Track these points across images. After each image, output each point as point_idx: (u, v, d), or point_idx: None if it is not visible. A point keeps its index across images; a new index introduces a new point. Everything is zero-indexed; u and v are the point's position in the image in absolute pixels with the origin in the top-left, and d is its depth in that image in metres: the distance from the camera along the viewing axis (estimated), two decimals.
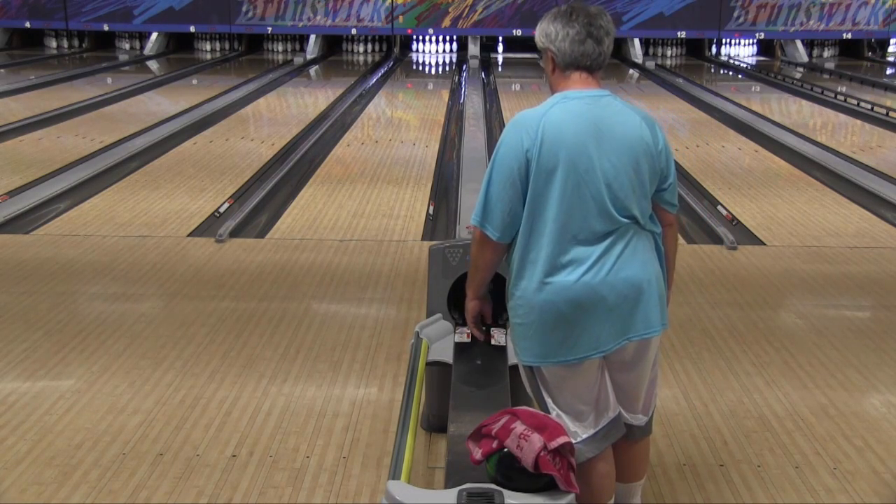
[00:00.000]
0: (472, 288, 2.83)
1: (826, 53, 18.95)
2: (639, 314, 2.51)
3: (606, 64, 2.56)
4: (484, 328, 3.50)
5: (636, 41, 18.06)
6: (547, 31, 2.53)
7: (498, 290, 3.59)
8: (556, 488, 2.41)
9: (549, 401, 2.60)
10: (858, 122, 11.20)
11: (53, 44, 19.04)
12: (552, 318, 2.49)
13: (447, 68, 17.35)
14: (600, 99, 2.52)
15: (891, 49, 18.80)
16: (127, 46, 19.01)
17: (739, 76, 16.92)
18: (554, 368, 2.55)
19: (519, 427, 2.46)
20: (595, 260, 2.46)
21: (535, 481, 2.41)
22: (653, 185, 2.54)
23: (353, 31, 18.12)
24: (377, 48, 19.08)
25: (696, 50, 18.74)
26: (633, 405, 2.67)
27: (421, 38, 18.88)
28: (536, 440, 2.41)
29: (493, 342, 3.41)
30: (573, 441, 2.50)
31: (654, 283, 2.54)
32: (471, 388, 3.13)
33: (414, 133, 10.29)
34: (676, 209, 2.66)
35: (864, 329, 4.69)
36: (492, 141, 9.50)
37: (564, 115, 2.49)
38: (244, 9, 17.86)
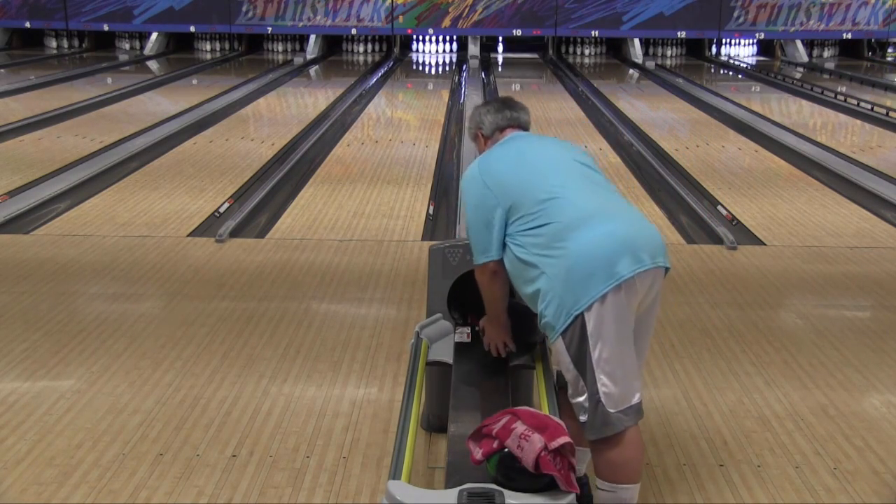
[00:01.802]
0: (497, 316, 3.14)
1: (826, 53, 18.95)
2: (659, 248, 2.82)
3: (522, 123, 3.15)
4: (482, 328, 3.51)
5: (636, 41, 18.06)
6: (478, 120, 3.17)
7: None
8: (556, 488, 2.41)
9: (592, 358, 2.65)
10: (858, 122, 11.20)
11: (53, 44, 19.05)
12: (595, 253, 2.68)
13: (447, 68, 17.35)
14: (528, 136, 3.11)
15: (890, 49, 18.80)
16: (127, 46, 19.02)
17: (739, 76, 16.92)
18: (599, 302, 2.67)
19: (519, 427, 2.46)
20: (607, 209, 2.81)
21: (535, 481, 2.42)
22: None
23: (353, 31, 18.12)
24: (377, 48, 19.08)
25: (696, 50, 18.74)
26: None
27: (421, 38, 18.89)
28: (537, 440, 2.41)
29: None
30: (632, 403, 2.66)
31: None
32: (471, 388, 3.13)
33: (414, 133, 10.29)
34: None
35: (864, 329, 4.69)
36: None
37: (508, 146, 3.03)
38: (244, 9, 17.87)
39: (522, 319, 3.18)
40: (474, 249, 2.95)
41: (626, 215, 2.81)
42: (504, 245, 2.86)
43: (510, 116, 3.12)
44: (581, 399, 2.69)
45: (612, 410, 2.65)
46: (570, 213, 2.72)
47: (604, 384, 2.64)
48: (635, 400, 2.69)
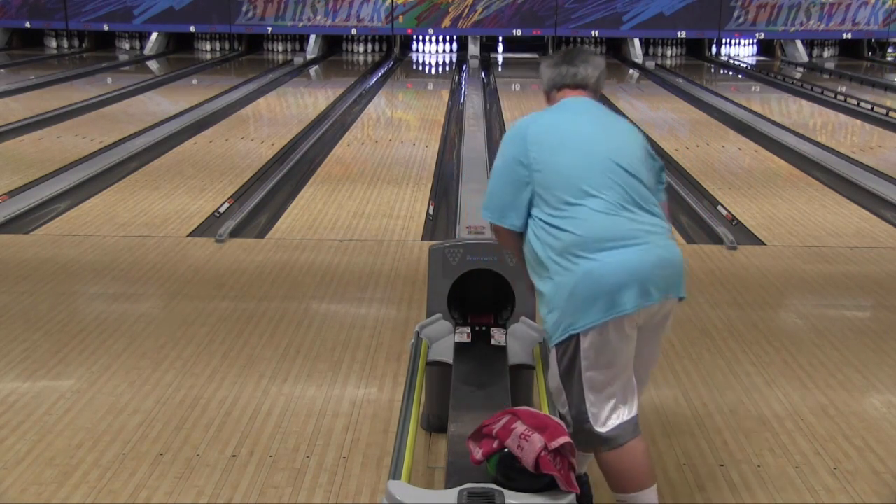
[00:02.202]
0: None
1: (826, 53, 18.95)
2: (675, 281, 2.65)
3: (591, 88, 2.87)
4: (484, 329, 3.51)
5: (636, 41, 18.06)
6: (540, 73, 2.92)
7: (499, 290, 3.60)
8: (556, 488, 2.41)
9: (582, 380, 2.61)
10: (858, 122, 11.20)
11: (53, 44, 19.05)
12: (601, 284, 2.55)
13: (447, 68, 17.36)
14: (587, 102, 2.84)
15: (890, 49, 18.80)
16: (127, 46, 19.02)
17: (739, 76, 16.92)
18: (593, 331, 2.60)
19: (520, 427, 2.46)
20: (633, 232, 2.60)
21: (535, 481, 2.42)
22: (650, 170, 2.77)
23: (353, 31, 18.12)
24: (377, 48, 19.08)
25: (696, 50, 18.74)
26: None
27: (421, 38, 18.89)
28: (537, 440, 2.41)
29: (493, 342, 3.42)
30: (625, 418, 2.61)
31: (675, 248, 2.70)
32: (471, 388, 3.13)
33: (414, 133, 10.29)
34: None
35: (864, 329, 4.69)
36: (492, 141, 9.50)
37: (554, 115, 2.80)
38: (244, 9, 17.87)
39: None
40: (488, 204, 2.81)
41: (648, 242, 2.58)
42: (526, 220, 2.72)
43: (565, 73, 2.84)
44: (564, 411, 2.67)
45: (600, 430, 2.60)
46: (589, 229, 2.56)
47: (592, 404, 2.60)
48: (627, 416, 2.62)
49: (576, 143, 2.67)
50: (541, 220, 2.66)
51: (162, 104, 12.47)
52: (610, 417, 2.61)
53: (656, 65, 17.24)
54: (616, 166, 2.63)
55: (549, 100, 2.89)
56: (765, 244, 6.10)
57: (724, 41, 18.75)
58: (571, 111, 2.79)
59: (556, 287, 2.60)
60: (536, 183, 2.66)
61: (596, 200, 2.59)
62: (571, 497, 2.40)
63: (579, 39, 18.82)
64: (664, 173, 2.90)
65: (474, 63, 16.70)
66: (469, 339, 3.42)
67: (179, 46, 18.80)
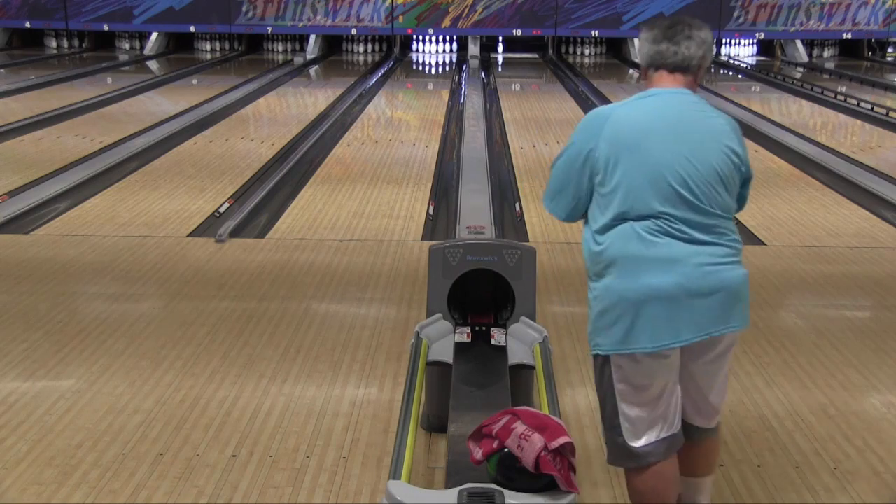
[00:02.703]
0: None
1: (826, 53, 18.95)
2: (723, 313, 2.46)
3: (693, 70, 2.56)
4: (484, 329, 3.51)
5: (636, 41, 18.04)
6: (639, 44, 2.64)
7: (499, 290, 3.60)
8: (556, 488, 2.41)
9: (615, 396, 2.52)
10: (858, 122, 11.20)
11: (53, 44, 19.05)
12: (634, 308, 2.43)
13: (447, 68, 17.35)
14: (679, 96, 2.53)
15: (890, 49, 18.80)
16: (127, 46, 19.01)
17: (739, 76, 16.92)
18: (625, 357, 2.49)
19: (520, 427, 2.46)
20: (684, 256, 2.43)
21: (535, 481, 2.41)
22: (736, 182, 2.53)
23: (353, 31, 18.12)
24: (377, 48, 19.08)
25: None
26: (705, 409, 2.62)
27: (421, 38, 18.88)
28: (537, 440, 2.41)
29: (493, 342, 3.42)
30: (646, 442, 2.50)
31: (743, 284, 2.50)
32: (471, 388, 3.13)
33: (414, 133, 10.29)
34: (743, 208, 2.70)
35: (864, 329, 4.69)
36: (492, 141, 9.51)
37: (635, 109, 2.53)
38: (244, 9, 17.87)
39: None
40: (548, 190, 2.62)
41: (683, 270, 2.40)
42: (577, 215, 2.59)
43: (665, 51, 2.54)
44: (603, 423, 2.60)
45: (632, 445, 2.52)
46: (621, 250, 2.43)
47: (626, 418, 2.51)
48: (662, 435, 2.52)
49: (640, 152, 2.45)
50: (591, 225, 2.54)
51: (162, 104, 12.47)
52: (644, 434, 2.51)
53: None
54: (671, 187, 2.42)
55: (645, 78, 2.63)
56: (765, 244, 6.10)
57: (724, 41, 18.74)
58: (654, 108, 2.51)
59: (592, 301, 2.53)
60: (596, 183, 2.51)
61: (642, 222, 2.43)
62: (571, 497, 2.40)
63: (579, 39, 18.84)
64: (749, 185, 2.64)
65: (474, 63, 16.70)
66: (469, 339, 3.42)
67: (179, 46, 18.79)
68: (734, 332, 2.51)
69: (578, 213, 2.61)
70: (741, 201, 2.67)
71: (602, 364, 2.52)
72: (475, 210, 6.52)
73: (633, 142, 2.46)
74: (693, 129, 2.49)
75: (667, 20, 2.61)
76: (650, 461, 2.52)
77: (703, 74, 2.61)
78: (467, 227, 6.02)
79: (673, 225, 2.43)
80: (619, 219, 2.46)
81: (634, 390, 2.49)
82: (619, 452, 2.56)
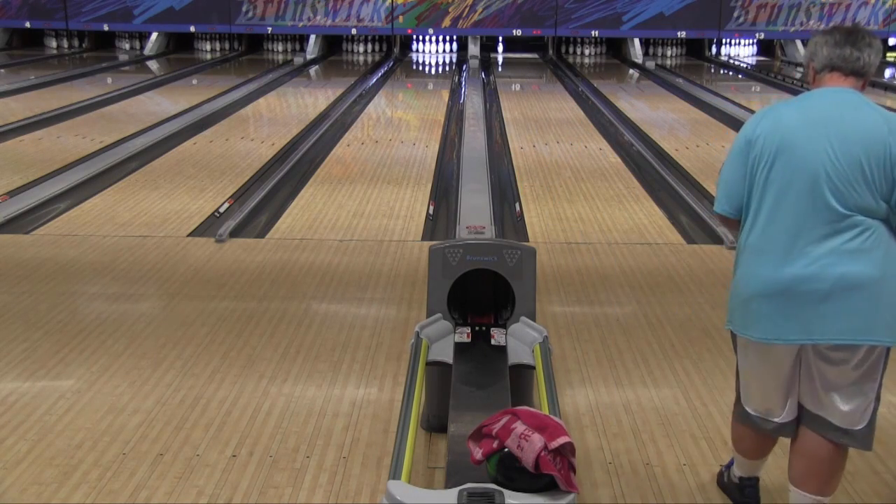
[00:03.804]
0: None
1: None
2: (839, 316, 2.53)
3: (867, 74, 2.66)
4: (484, 329, 3.51)
5: (636, 41, 18.06)
6: (812, 48, 2.70)
7: (499, 290, 3.61)
8: (556, 488, 2.41)
9: (739, 364, 2.85)
10: None
11: (53, 44, 19.05)
12: (754, 299, 2.64)
13: (447, 68, 17.35)
14: (842, 94, 2.61)
15: (892, 43, 18.79)
16: (127, 46, 19.02)
17: (739, 76, 16.92)
18: (743, 340, 2.75)
19: (519, 427, 2.46)
20: (807, 250, 2.54)
21: (535, 481, 2.41)
22: (884, 185, 2.51)
23: (353, 31, 18.12)
24: (377, 48, 19.08)
25: (696, 50, 18.74)
26: (823, 402, 2.70)
27: (421, 38, 18.89)
28: (537, 440, 2.41)
29: (493, 342, 3.42)
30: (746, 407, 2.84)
31: (869, 286, 2.51)
32: (471, 388, 3.13)
33: (414, 133, 10.29)
34: None
35: None
36: (492, 141, 9.51)
37: (793, 107, 2.65)
38: (244, 9, 17.87)
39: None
40: (717, 192, 2.77)
41: (803, 261, 2.53)
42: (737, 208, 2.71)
43: (848, 56, 2.61)
44: None
45: (749, 410, 2.86)
46: (752, 234, 2.63)
47: (743, 383, 2.85)
48: (773, 418, 2.80)
49: (803, 150, 2.54)
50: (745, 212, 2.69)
51: (162, 104, 12.47)
52: (756, 405, 2.83)
53: (656, 65, 17.24)
54: (809, 191, 2.52)
55: (812, 79, 2.70)
56: None
57: (724, 41, 18.75)
58: (820, 110, 2.59)
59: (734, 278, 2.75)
60: (752, 173, 2.63)
61: (776, 212, 2.57)
62: (571, 497, 2.40)
63: (579, 39, 18.84)
64: None
65: (474, 63, 16.70)
66: (469, 339, 3.42)
67: (179, 46, 18.80)
68: (868, 343, 2.60)
69: (726, 205, 2.74)
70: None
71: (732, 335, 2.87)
72: (475, 210, 6.52)
73: (781, 141, 2.58)
74: (846, 128, 2.54)
75: (844, 27, 2.70)
76: (757, 428, 2.86)
77: (867, 84, 2.71)
78: (467, 227, 6.02)
79: (800, 224, 2.57)
80: (758, 209, 2.65)
81: (747, 366, 2.83)
82: (738, 411, 2.92)
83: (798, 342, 2.60)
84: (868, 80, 2.68)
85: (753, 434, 2.91)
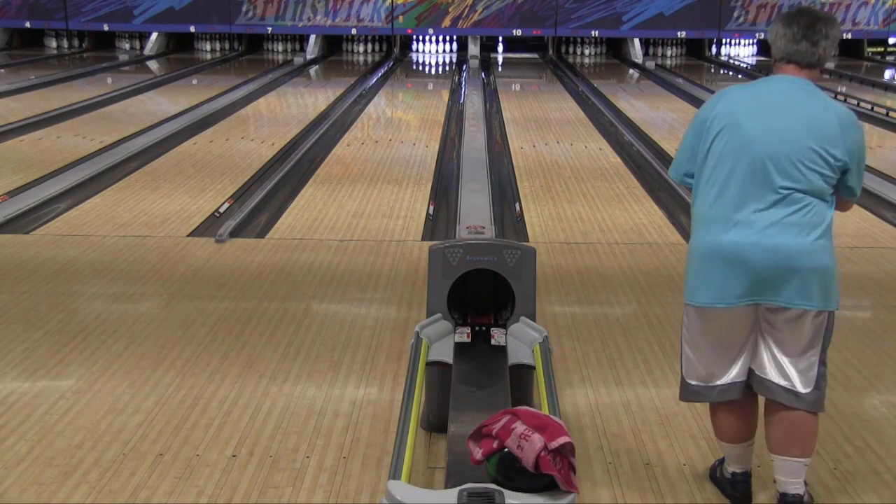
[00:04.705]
0: None
1: None
2: (777, 283, 2.73)
3: (821, 64, 2.84)
4: (484, 329, 3.51)
5: (636, 41, 18.06)
6: (773, 31, 2.86)
7: (499, 290, 3.61)
8: (556, 488, 2.41)
9: (683, 336, 2.97)
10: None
11: (53, 44, 19.05)
12: (701, 264, 2.82)
13: (447, 68, 17.36)
14: (796, 84, 2.79)
15: (892, 41, 18.78)
16: (127, 46, 19.02)
17: (739, 76, 16.92)
18: (690, 307, 2.89)
19: (519, 427, 2.46)
20: (750, 219, 2.72)
21: (535, 481, 2.42)
22: (828, 171, 2.71)
23: (353, 31, 18.12)
24: (377, 48, 19.08)
25: (696, 50, 18.74)
26: (771, 365, 2.87)
27: (421, 38, 18.89)
28: (537, 440, 2.41)
29: (493, 342, 3.42)
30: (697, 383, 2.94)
31: (804, 259, 2.71)
32: (471, 388, 3.13)
33: (414, 133, 10.29)
34: (855, 197, 2.88)
35: (864, 329, 4.69)
36: (492, 141, 9.51)
37: (748, 92, 2.85)
38: (244, 9, 17.87)
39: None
40: (674, 158, 3.00)
41: (759, 231, 2.71)
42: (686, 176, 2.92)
43: (802, 51, 2.79)
44: None
45: (691, 382, 2.96)
46: (703, 205, 2.81)
47: (686, 356, 2.96)
48: (715, 381, 2.91)
49: (739, 130, 2.75)
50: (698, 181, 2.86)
51: (162, 104, 12.47)
52: (699, 374, 2.95)
53: (656, 65, 17.24)
54: (757, 169, 2.71)
55: (773, 62, 2.89)
56: None
57: (724, 41, 18.75)
58: (769, 95, 2.80)
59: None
60: (704, 144, 2.82)
61: (727, 185, 2.75)
62: (571, 497, 2.41)
63: (579, 39, 18.84)
64: (848, 175, 2.78)
65: (474, 63, 16.70)
66: (469, 339, 3.42)
67: (179, 46, 18.80)
68: (804, 307, 2.79)
69: (681, 173, 2.96)
70: (846, 191, 2.83)
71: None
72: (475, 210, 6.52)
73: (735, 120, 2.77)
74: (791, 118, 2.73)
75: (805, 16, 2.81)
76: (701, 400, 2.99)
77: (820, 73, 2.90)
78: (467, 227, 6.02)
79: (752, 189, 2.75)
80: (710, 182, 2.86)
81: (693, 333, 2.96)
82: (682, 385, 3.02)
83: (737, 304, 2.77)
84: (823, 66, 2.87)
85: (724, 413, 2.99)
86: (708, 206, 2.79)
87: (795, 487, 2.91)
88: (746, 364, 2.90)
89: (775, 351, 2.85)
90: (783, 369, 2.86)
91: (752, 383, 2.92)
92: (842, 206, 2.89)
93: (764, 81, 2.87)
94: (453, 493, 2.37)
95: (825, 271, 2.75)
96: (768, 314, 2.80)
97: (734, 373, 2.91)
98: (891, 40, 18.63)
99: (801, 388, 2.87)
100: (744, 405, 2.97)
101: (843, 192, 2.82)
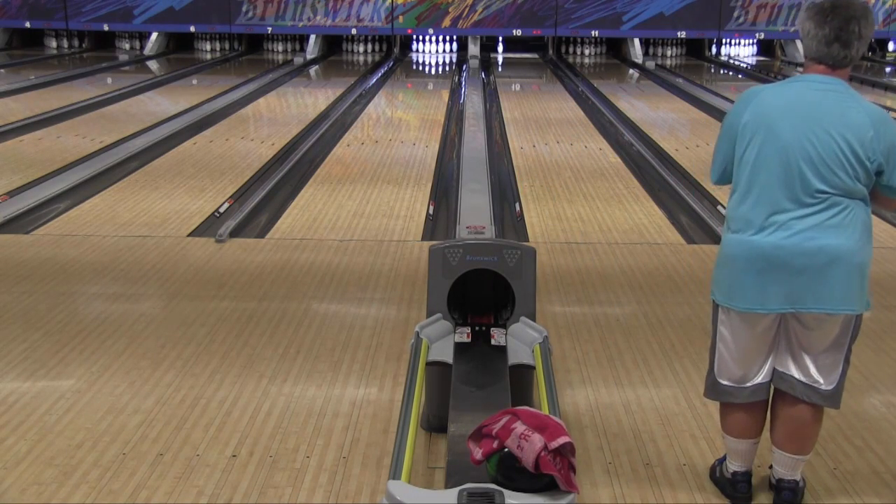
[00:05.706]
0: None
1: None
2: (818, 286, 2.74)
3: (853, 63, 2.80)
4: (484, 329, 3.51)
5: (636, 41, 18.06)
6: (803, 26, 2.78)
7: (499, 290, 3.61)
8: (556, 488, 2.41)
9: (717, 336, 2.94)
10: None
11: (53, 44, 19.05)
12: (739, 267, 2.79)
13: (447, 68, 17.36)
14: (827, 85, 2.74)
15: (891, 48, 18.79)
16: (127, 46, 19.02)
17: (739, 76, 16.92)
18: (726, 310, 2.88)
19: (519, 427, 2.46)
20: (789, 224, 2.72)
21: (535, 481, 2.42)
22: (861, 173, 2.72)
23: (353, 31, 18.12)
24: (377, 48, 19.08)
25: (696, 50, 18.74)
26: (796, 363, 2.88)
27: (421, 38, 18.89)
28: (537, 440, 2.41)
29: (493, 342, 3.42)
30: (723, 382, 2.95)
31: (846, 258, 2.76)
32: (471, 388, 3.13)
33: (414, 133, 10.29)
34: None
35: (865, 329, 4.65)
36: (492, 141, 9.51)
37: (778, 92, 2.80)
38: (244, 9, 17.86)
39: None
40: (711, 165, 2.99)
41: (798, 233, 2.71)
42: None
43: (834, 54, 2.73)
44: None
45: (722, 381, 2.95)
46: (739, 208, 2.78)
47: (720, 356, 2.94)
48: (746, 383, 2.92)
49: (774, 133, 2.72)
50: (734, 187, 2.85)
51: (162, 104, 12.47)
52: (724, 372, 2.97)
53: (656, 65, 17.24)
54: (793, 172, 2.70)
55: (806, 67, 2.82)
56: None
57: (724, 41, 18.75)
58: (801, 96, 2.75)
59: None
60: (739, 148, 2.80)
61: (764, 187, 2.73)
62: (571, 497, 2.41)
63: (579, 39, 18.84)
64: (885, 175, 2.78)
65: (474, 63, 16.70)
66: (469, 339, 3.42)
67: (179, 46, 18.80)
68: (831, 312, 2.82)
69: (719, 175, 2.96)
70: (888, 191, 2.84)
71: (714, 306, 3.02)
72: (475, 210, 6.52)
73: (769, 123, 2.74)
74: (826, 119, 2.70)
75: (838, 14, 2.70)
76: (727, 399, 2.97)
77: (850, 72, 2.83)
78: (467, 227, 6.02)
79: (785, 198, 2.74)
80: (748, 186, 2.83)
81: (728, 333, 2.96)
82: (709, 384, 3.02)
83: (779, 311, 2.77)
84: (855, 64, 2.84)
85: (739, 410, 2.99)
86: (746, 211, 2.77)
87: (791, 475, 2.99)
88: (773, 363, 2.93)
89: (802, 348, 2.87)
90: (807, 367, 2.88)
91: (773, 378, 2.95)
92: (887, 205, 2.90)
93: (793, 82, 2.82)
94: (453, 493, 2.37)
95: (863, 272, 2.82)
96: (804, 317, 2.80)
97: (764, 372, 2.93)
98: (890, 46, 18.62)
99: (822, 385, 2.88)
100: (762, 403, 2.99)
101: (885, 191, 2.82)
